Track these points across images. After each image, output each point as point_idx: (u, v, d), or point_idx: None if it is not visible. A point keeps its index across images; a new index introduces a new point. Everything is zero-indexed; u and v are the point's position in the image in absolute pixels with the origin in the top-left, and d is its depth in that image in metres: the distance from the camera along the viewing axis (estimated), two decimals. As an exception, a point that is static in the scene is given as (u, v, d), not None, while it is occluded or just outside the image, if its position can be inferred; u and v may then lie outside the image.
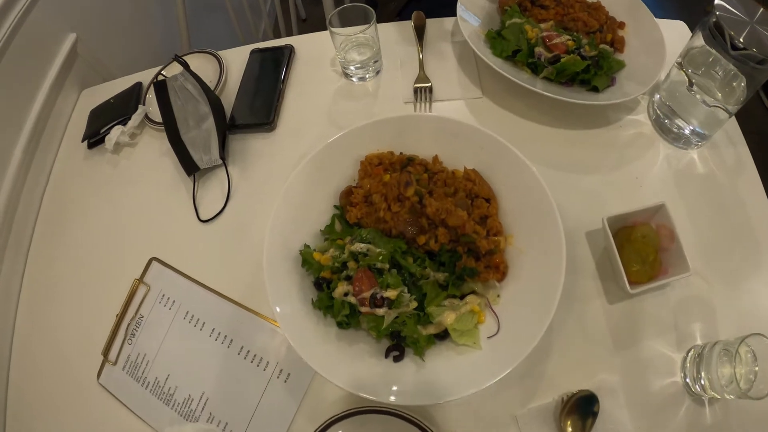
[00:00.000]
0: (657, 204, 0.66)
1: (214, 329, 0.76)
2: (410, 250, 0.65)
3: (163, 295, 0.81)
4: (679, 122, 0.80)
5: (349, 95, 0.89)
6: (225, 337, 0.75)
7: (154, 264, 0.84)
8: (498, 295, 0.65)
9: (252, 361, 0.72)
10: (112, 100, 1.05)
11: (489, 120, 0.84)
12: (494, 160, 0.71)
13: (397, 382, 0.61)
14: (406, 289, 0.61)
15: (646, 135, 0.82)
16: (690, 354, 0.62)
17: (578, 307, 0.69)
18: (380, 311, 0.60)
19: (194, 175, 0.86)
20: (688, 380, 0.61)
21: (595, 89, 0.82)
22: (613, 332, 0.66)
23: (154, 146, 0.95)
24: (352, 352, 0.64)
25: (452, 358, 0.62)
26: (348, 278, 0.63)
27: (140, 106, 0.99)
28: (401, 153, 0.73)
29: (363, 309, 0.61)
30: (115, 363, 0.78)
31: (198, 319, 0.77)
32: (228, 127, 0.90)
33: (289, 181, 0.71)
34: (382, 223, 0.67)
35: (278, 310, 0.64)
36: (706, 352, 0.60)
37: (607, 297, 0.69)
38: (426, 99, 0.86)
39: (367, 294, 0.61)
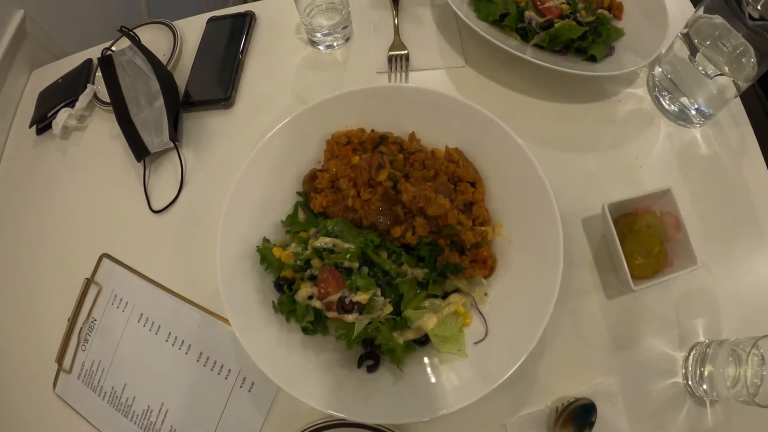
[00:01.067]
0: (662, 189, 0.54)
1: (170, 334, 0.63)
2: (384, 244, 0.51)
3: (116, 296, 0.67)
4: (683, 99, 0.66)
5: (315, 66, 0.73)
6: (182, 342, 0.62)
7: (105, 261, 0.69)
8: (485, 294, 0.52)
9: (212, 369, 0.60)
10: (60, 80, 0.87)
11: (473, 92, 0.69)
12: (480, 137, 0.56)
13: (372, 397, 0.48)
14: (379, 291, 0.47)
15: (647, 111, 0.69)
16: (692, 353, 0.53)
17: (574, 304, 0.57)
18: (349, 317, 0.47)
19: (144, 160, 0.71)
20: (690, 383, 0.52)
21: (592, 59, 0.67)
22: (612, 330, 0.55)
23: (105, 129, 0.78)
24: (320, 362, 0.50)
25: (434, 367, 0.49)
26: (312, 278, 0.50)
27: (89, 86, 0.82)
28: (373, 130, 0.58)
29: (330, 314, 0.48)
30: (70, 371, 0.65)
31: (153, 323, 0.64)
32: (182, 104, 0.74)
33: (244, 166, 0.57)
34: (351, 213, 0.53)
35: (234, 316, 0.51)
36: (710, 351, 0.51)
37: (605, 291, 0.57)
38: (402, 68, 0.70)
39: (334, 297, 0.48)
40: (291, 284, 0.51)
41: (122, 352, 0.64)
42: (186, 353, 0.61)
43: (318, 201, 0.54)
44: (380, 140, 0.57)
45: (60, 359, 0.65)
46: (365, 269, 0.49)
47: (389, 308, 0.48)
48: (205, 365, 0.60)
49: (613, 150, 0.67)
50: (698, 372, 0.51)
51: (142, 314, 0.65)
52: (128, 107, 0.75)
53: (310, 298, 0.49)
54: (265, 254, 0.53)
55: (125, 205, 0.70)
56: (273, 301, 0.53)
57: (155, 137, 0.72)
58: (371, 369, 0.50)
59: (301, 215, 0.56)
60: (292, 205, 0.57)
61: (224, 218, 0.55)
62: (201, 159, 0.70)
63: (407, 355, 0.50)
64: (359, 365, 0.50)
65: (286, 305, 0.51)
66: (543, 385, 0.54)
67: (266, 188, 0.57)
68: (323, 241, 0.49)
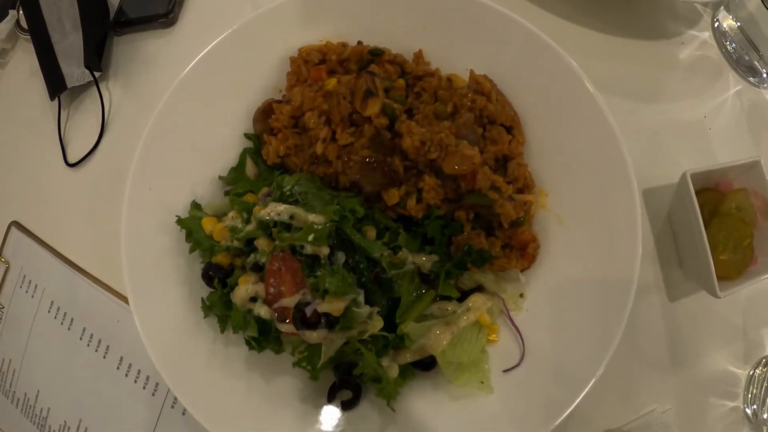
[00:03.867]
0: (750, 160, 0.35)
1: (85, 330, 0.40)
2: (371, 216, 0.27)
3: (24, 277, 0.44)
4: (756, 61, 0.44)
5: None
6: (99, 342, 0.39)
7: (14, 231, 0.45)
8: (521, 295, 0.29)
9: (136, 381, 0.37)
10: (-13, 10, 0.61)
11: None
12: (519, 61, 0.32)
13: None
14: (361, 295, 0.24)
15: (713, 60, 0.47)
16: (757, 372, 0.37)
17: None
18: (314, 335, 0.24)
19: (59, 98, 0.46)
20: (749, 409, 0.36)
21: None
22: (673, 342, 0.37)
23: (27, 65, 0.53)
24: (272, 393, 0.28)
25: (443, 406, 0.27)
26: (257, 268, 0.27)
27: (11, 11, 0.56)
28: (360, 43, 0.32)
29: (283, 328, 0.25)
30: (-19, 370, 0.44)
31: (65, 314, 0.41)
32: (112, 25, 0.48)
33: (166, 97, 0.32)
34: (322, 166, 0.28)
35: (144, 321, 0.29)
36: None
37: (668, 291, 0.37)
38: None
39: (289, 302, 0.25)
40: (226, 275, 0.27)
41: (33, 350, 0.42)
42: (104, 357, 0.38)
43: (273, 147, 0.29)
44: (371, 57, 0.31)
45: (-32, 352, 0.43)
46: (340, 256, 0.25)
47: (378, 323, 0.24)
48: (127, 375, 0.37)
49: (678, 103, 0.43)
50: (762, 394, 0.36)
51: (53, 302, 0.41)
52: (49, 33, 0.49)
53: (254, 300, 0.26)
54: (190, 228, 0.29)
55: (38, 158, 0.45)
56: (203, 299, 0.30)
57: (76, 68, 0.46)
58: (348, 405, 0.27)
59: (251, 168, 0.31)
60: (236, 153, 0.32)
61: (134, 173, 0.31)
62: (131, 94, 0.44)
63: (402, 386, 0.27)
64: (330, 399, 0.28)
65: (219, 307, 0.27)
66: (583, 414, 0.35)
67: (200, 128, 0.32)
68: (275, 211, 0.25)
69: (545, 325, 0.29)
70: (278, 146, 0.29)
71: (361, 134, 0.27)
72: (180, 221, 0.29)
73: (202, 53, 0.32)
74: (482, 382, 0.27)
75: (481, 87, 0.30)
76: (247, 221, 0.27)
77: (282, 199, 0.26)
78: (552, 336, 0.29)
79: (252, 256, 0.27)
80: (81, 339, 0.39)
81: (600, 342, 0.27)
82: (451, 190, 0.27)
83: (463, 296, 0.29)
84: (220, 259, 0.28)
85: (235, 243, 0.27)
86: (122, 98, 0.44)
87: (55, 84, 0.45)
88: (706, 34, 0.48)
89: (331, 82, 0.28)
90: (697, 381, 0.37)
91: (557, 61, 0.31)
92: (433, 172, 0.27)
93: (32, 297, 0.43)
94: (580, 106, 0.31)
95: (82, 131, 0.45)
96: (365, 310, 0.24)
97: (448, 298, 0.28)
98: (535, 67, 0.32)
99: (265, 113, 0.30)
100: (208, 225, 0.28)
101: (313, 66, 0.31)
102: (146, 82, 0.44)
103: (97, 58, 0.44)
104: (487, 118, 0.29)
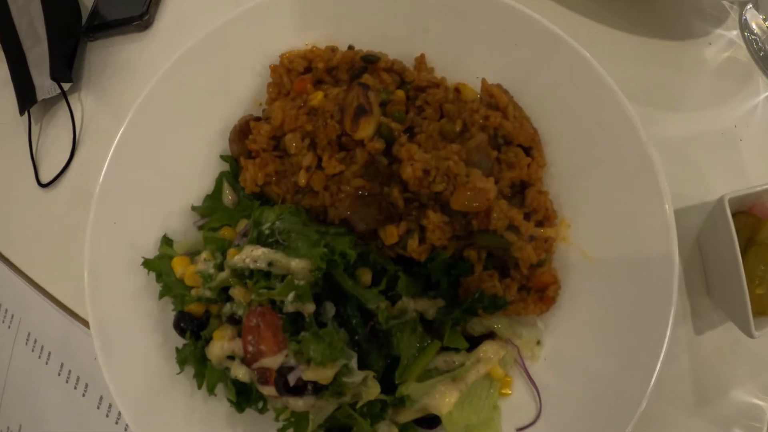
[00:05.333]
0: None
1: (63, 365, 0.36)
2: (366, 255, 0.22)
3: (0, 305, 0.40)
4: None
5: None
6: (78, 379, 0.35)
7: (-11, 254, 0.42)
8: (538, 343, 0.24)
9: (117, 422, 0.33)
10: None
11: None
12: (539, 68, 0.26)
13: None
14: (354, 358, 0.19)
15: (742, 62, 0.41)
16: None
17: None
18: (300, 403, 0.19)
19: (29, 112, 0.40)
20: None
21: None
22: (698, 379, 0.32)
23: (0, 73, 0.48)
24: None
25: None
26: (234, 321, 0.22)
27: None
28: (351, 47, 0.26)
29: (265, 390, 0.20)
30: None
31: (42, 348, 0.37)
32: (84, 29, 0.42)
33: (133, 112, 0.28)
34: (307, 197, 0.23)
35: (113, 374, 0.25)
36: None
37: (694, 322, 0.33)
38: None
39: (270, 362, 0.21)
40: (201, 327, 0.23)
41: (13, 383, 0.38)
42: (83, 395, 0.34)
43: (251, 174, 0.24)
44: (364, 64, 0.25)
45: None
46: (329, 308, 0.20)
47: (374, 389, 0.20)
48: (107, 416, 0.33)
49: (707, 110, 0.38)
50: None
51: (29, 334, 0.37)
52: (20, 38, 0.44)
53: (232, 358, 0.22)
54: (160, 270, 0.24)
55: (10, 177, 0.41)
56: (177, 350, 0.25)
57: (47, 79, 0.41)
58: (342, 469, 0.24)
59: (228, 195, 0.26)
60: (214, 177, 0.27)
61: (96, 205, 0.26)
62: (105, 105, 0.38)
63: (404, 446, 0.24)
64: (322, 460, 0.25)
65: (193, 361, 0.23)
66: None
67: (170, 151, 0.27)
68: (250, 257, 0.20)
69: (565, 376, 0.24)
70: (256, 173, 0.24)
71: (352, 161, 0.22)
72: (147, 263, 0.24)
73: (169, 63, 0.27)
74: (495, 446, 0.22)
75: (495, 100, 0.24)
76: (220, 267, 0.22)
77: (260, 240, 0.21)
78: (572, 389, 0.24)
79: (228, 305, 0.22)
80: (59, 375, 0.35)
81: (626, 399, 0.22)
82: (460, 227, 0.22)
83: (472, 344, 0.24)
84: (193, 308, 0.23)
85: (207, 293, 0.22)
86: (96, 110, 0.39)
87: (25, 96, 0.40)
88: (734, 33, 0.42)
89: (317, 97, 0.23)
90: (720, 415, 0.33)
91: (584, 69, 0.26)
92: (439, 206, 0.22)
93: (9, 327, 0.39)
94: (610, 123, 0.26)
95: (55, 147, 0.39)
96: (358, 377, 0.19)
97: (455, 349, 0.23)
98: (557, 76, 0.26)
99: (242, 133, 0.25)
100: (179, 266, 0.23)
101: (296, 76, 0.25)
102: (121, 92, 0.38)
103: (66, 67, 0.39)
104: (503, 138, 0.23)
